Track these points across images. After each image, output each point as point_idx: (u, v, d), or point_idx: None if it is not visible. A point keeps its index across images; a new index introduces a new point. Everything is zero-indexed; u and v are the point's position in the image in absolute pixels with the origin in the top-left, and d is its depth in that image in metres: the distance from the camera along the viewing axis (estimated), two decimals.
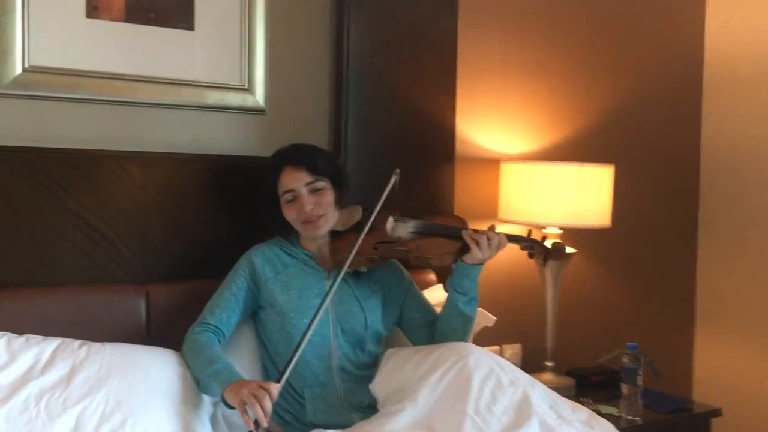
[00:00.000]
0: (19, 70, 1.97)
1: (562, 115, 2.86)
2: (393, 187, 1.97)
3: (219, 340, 1.90)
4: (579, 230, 2.64)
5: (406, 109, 2.45)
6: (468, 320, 2.00)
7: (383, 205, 2.01)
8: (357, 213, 2.03)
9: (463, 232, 1.95)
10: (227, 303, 1.93)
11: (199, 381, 1.81)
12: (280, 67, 2.32)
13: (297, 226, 1.97)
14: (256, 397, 1.63)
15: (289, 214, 1.95)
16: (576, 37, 2.88)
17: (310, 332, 1.76)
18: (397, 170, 1.99)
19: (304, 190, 1.93)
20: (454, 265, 1.98)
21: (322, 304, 1.80)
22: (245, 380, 1.75)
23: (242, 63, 2.26)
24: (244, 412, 1.65)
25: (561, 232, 2.58)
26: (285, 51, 2.33)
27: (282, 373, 1.73)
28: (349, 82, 2.35)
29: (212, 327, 1.91)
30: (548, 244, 2.11)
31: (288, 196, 1.94)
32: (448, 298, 2.01)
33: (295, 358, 1.74)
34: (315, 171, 1.95)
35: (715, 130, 3.16)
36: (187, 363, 1.86)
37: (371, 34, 2.39)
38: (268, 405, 1.64)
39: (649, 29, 3.04)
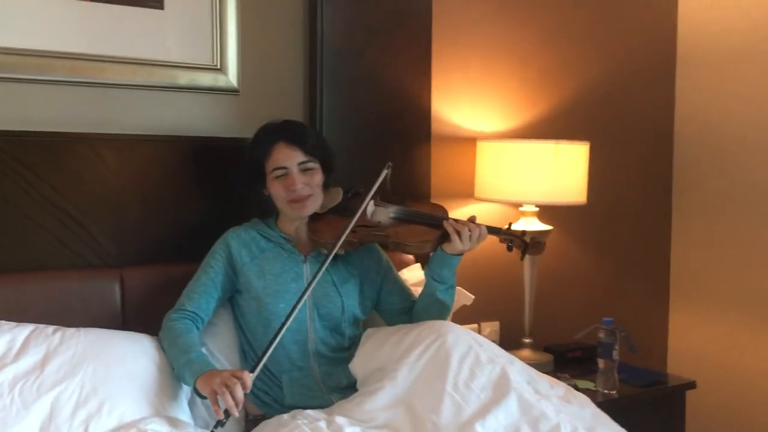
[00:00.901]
0: None
1: (537, 93, 2.85)
2: (384, 180, 1.96)
3: (197, 327, 1.89)
4: (555, 207, 2.66)
5: (382, 88, 2.43)
6: (446, 308, 2.00)
7: (365, 191, 1.99)
8: (338, 195, 2.02)
9: (445, 222, 1.94)
10: (205, 288, 1.91)
11: (174, 369, 1.80)
12: (253, 46, 2.29)
13: (282, 204, 1.95)
14: (227, 386, 1.61)
15: (277, 190, 1.93)
16: (550, 15, 2.87)
17: (290, 321, 1.75)
18: (390, 164, 1.97)
19: (295, 169, 1.92)
20: (432, 254, 1.97)
21: (303, 293, 1.78)
22: (218, 370, 1.73)
23: (214, 42, 2.22)
24: (215, 402, 1.63)
25: (537, 209, 2.59)
26: (257, 30, 2.29)
27: (258, 362, 1.72)
28: (323, 62, 2.33)
29: (190, 313, 1.89)
30: (527, 238, 2.07)
31: (278, 172, 1.92)
32: (425, 286, 2.00)
33: (273, 346, 1.73)
34: (308, 151, 1.93)
35: (689, 107, 3.18)
36: (163, 349, 1.85)
37: (345, 14, 2.36)
38: (240, 394, 1.61)
39: (622, 7, 3.04)
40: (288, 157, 1.92)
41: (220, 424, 1.63)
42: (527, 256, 2.50)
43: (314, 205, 1.96)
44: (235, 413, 1.61)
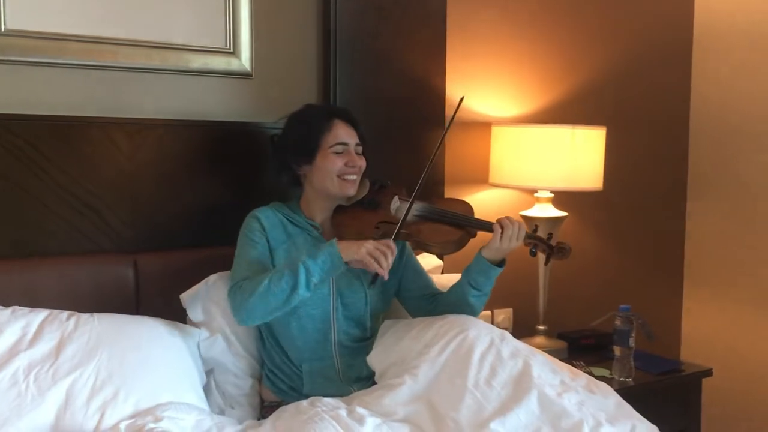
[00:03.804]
0: None
1: (553, 78, 2.82)
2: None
3: None
4: (570, 193, 2.63)
5: (396, 73, 2.40)
6: (474, 312, 1.97)
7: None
8: (364, 187, 1.99)
9: (498, 219, 1.90)
10: (260, 263, 1.85)
11: (297, 276, 1.73)
12: (266, 29, 2.26)
13: (329, 180, 1.90)
14: (380, 250, 1.75)
15: (335, 163, 1.90)
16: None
17: None
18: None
19: (353, 148, 1.93)
20: (474, 258, 1.94)
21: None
22: (347, 241, 1.80)
23: (227, 26, 2.19)
24: (371, 263, 1.74)
25: (552, 195, 2.56)
26: (270, 13, 2.26)
27: (398, 230, 1.83)
28: (337, 46, 2.30)
29: None
30: (554, 242, 2.02)
31: (339, 148, 1.91)
32: (459, 285, 1.96)
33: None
34: (360, 135, 1.97)
35: (705, 92, 3.15)
36: (263, 300, 1.75)
37: None
38: (391, 259, 1.77)
39: None
40: (350, 135, 1.94)
41: (375, 280, 1.79)
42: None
43: (357, 188, 1.95)
44: (386, 276, 1.76)
